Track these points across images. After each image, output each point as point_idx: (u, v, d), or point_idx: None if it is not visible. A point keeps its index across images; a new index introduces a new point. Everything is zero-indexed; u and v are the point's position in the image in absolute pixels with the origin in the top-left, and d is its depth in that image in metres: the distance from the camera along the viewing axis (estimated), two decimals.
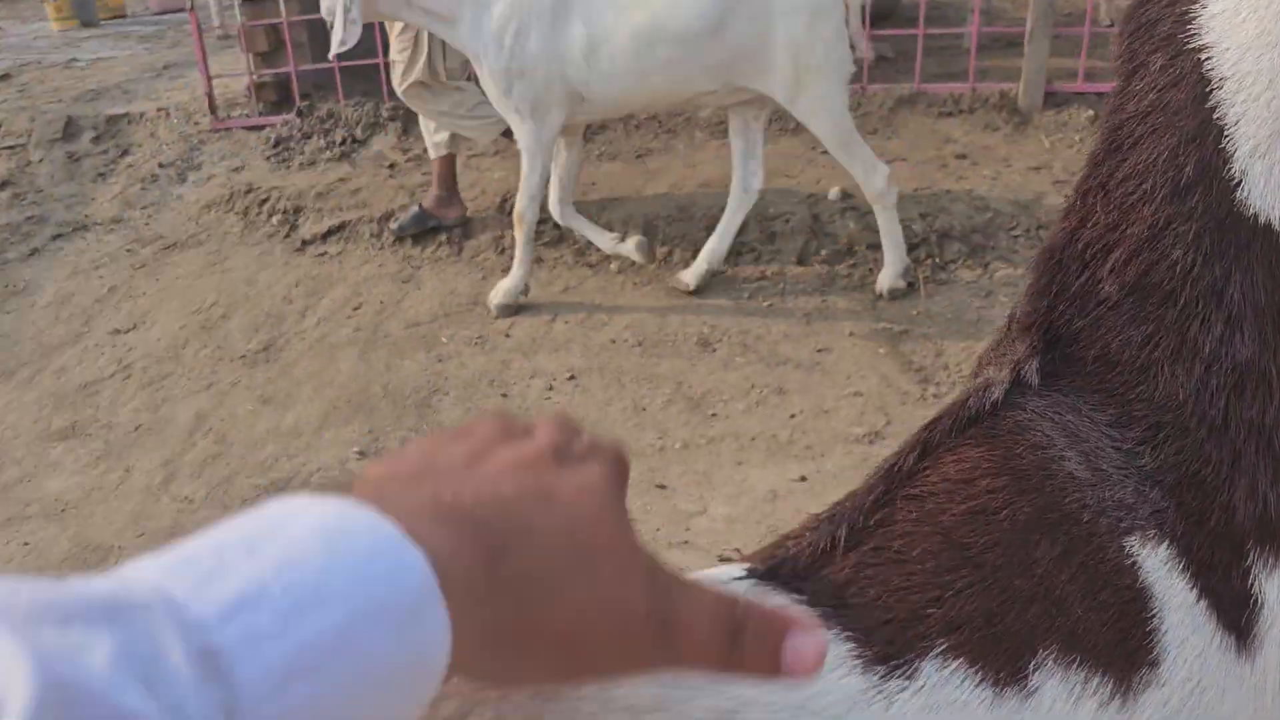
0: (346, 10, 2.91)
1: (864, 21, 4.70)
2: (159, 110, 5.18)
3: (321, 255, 3.91)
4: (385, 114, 4.66)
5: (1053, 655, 0.52)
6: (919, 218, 3.58)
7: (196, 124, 4.98)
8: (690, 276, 3.36)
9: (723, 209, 3.71)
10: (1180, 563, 0.55)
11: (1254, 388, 0.57)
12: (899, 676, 0.50)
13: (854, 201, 3.71)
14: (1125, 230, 0.60)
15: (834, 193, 3.78)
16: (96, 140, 5.03)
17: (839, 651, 0.49)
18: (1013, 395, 0.60)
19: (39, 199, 4.55)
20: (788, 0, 2.90)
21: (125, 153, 4.90)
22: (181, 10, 9.04)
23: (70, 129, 5.11)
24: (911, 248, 3.39)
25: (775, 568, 0.52)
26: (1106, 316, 0.59)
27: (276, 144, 4.65)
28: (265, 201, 4.22)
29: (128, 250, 4.04)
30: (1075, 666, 0.52)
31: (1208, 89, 0.57)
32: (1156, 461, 0.57)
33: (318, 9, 4.62)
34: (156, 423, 3.06)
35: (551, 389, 3.00)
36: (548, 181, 3.30)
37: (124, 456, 2.93)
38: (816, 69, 2.93)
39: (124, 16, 9.12)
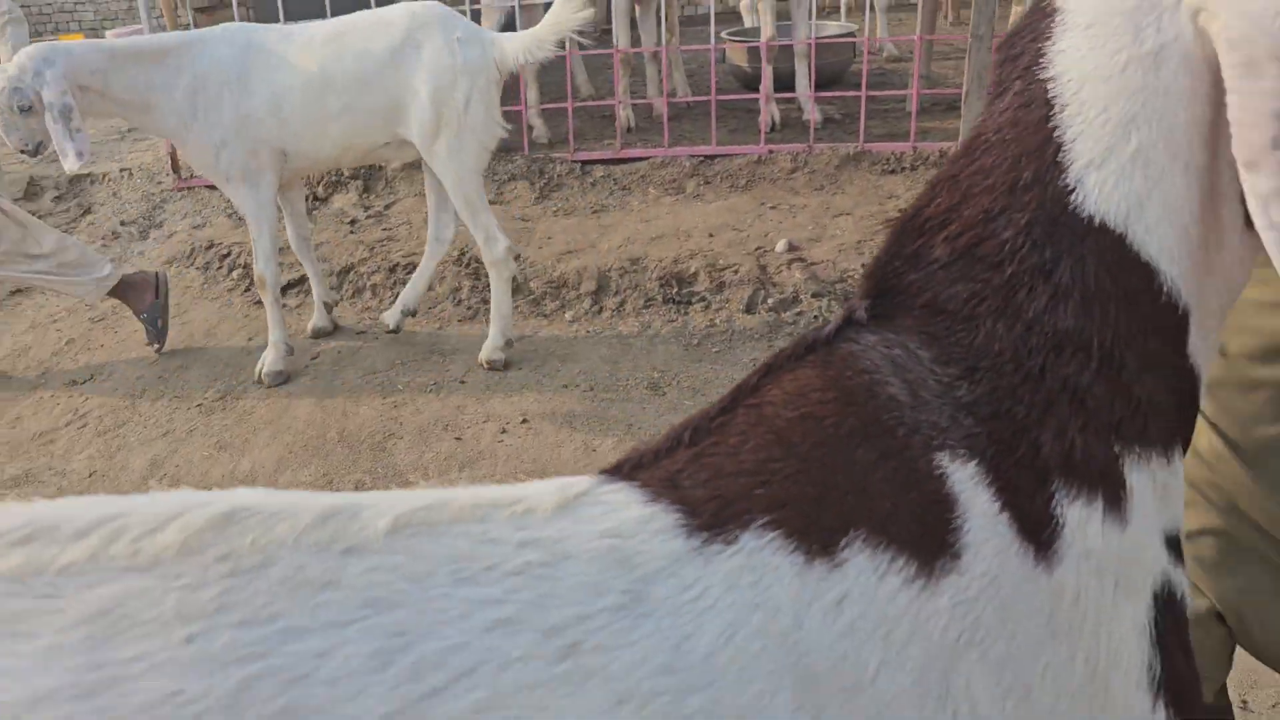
0: (69, 122, 2.91)
1: (811, 85, 4.91)
2: (122, 170, 5.26)
3: (282, 307, 3.96)
4: (346, 173, 4.76)
5: (862, 536, 0.62)
6: (862, 268, 3.72)
7: (159, 183, 5.06)
8: (389, 318, 3.65)
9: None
10: (986, 480, 0.65)
11: (1072, 352, 0.68)
12: (719, 541, 0.59)
13: (801, 253, 3.85)
14: (963, 211, 0.71)
15: (781, 245, 3.91)
16: (59, 200, 5.10)
17: (666, 520, 0.58)
18: (848, 331, 0.70)
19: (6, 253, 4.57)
20: (436, 56, 3.09)
21: (87, 211, 4.97)
22: None
23: (32, 189, 5.17)
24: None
25: (618, 464, 0.61)
26: (936, 274, 0.71)
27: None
28: (226, 256, 4.29)
29: (86, 305, 4.07)
30: (882, 548, 0.62)
31: (1052, 111, 0.69)
32: (972, 396, 0.67)
33: None
34: (111, 469, 3.08)
35: (504, 432, 3.06)
36: (276, 242, 3.40)
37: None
38: (456, 124, 3.13)
39: None
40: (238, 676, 0.49)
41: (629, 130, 5.16)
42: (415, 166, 4.93)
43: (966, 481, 0.65)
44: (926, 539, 0.63)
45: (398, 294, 3.78)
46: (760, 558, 0.60)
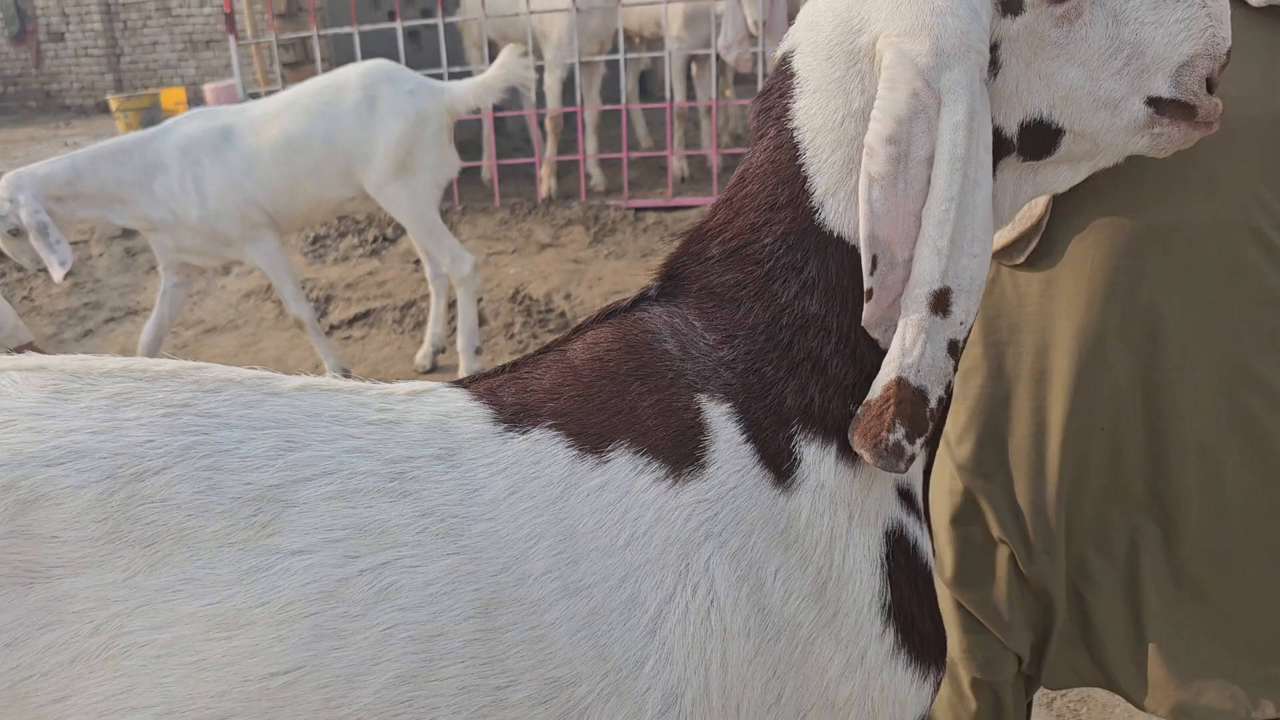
0: (47, 237, 3.16)
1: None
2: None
3: (347, 338, 4.24)
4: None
5: (625, 444, 0.85)
6: None
7: None
8: (421, 358, 3.90)
9: None
10: (736, 418, 0.86)
11: (816, 331, 0.88)
12: (515, 431, 0.85)
13: None
14: (735, 223, 0.92)
15: None
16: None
17: (481, 413, 0.86)
18: (641, 304, 0.93)
19: (96, 287, 4.98)
20: (390, 108, 3.34)
21: None
22: None
23: (127, 230, 5.59)
24: None
25: (459, 380, 0.90)
26: (712, 267, 0.92)
27: (315, 241, 5.07)
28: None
29: (171, 333, 4.40)
30: (641, 455, 0.84)
31: (796, 152, 0.89)
32: (731, 356, 0.88)
33: None
34: None
35: None
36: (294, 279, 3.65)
37: None
38: (412, 167, 3.40)
39: None
40: (185, 441, 0.79)
41: (682, 180, 5.39)
42: (480, 210, 5.22)
43: (719, 418, 0.86)
44: (678, 453, 0.84)
45: (455, 328, 4.03)
46: (543, 446, 0.84)
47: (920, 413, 0.81)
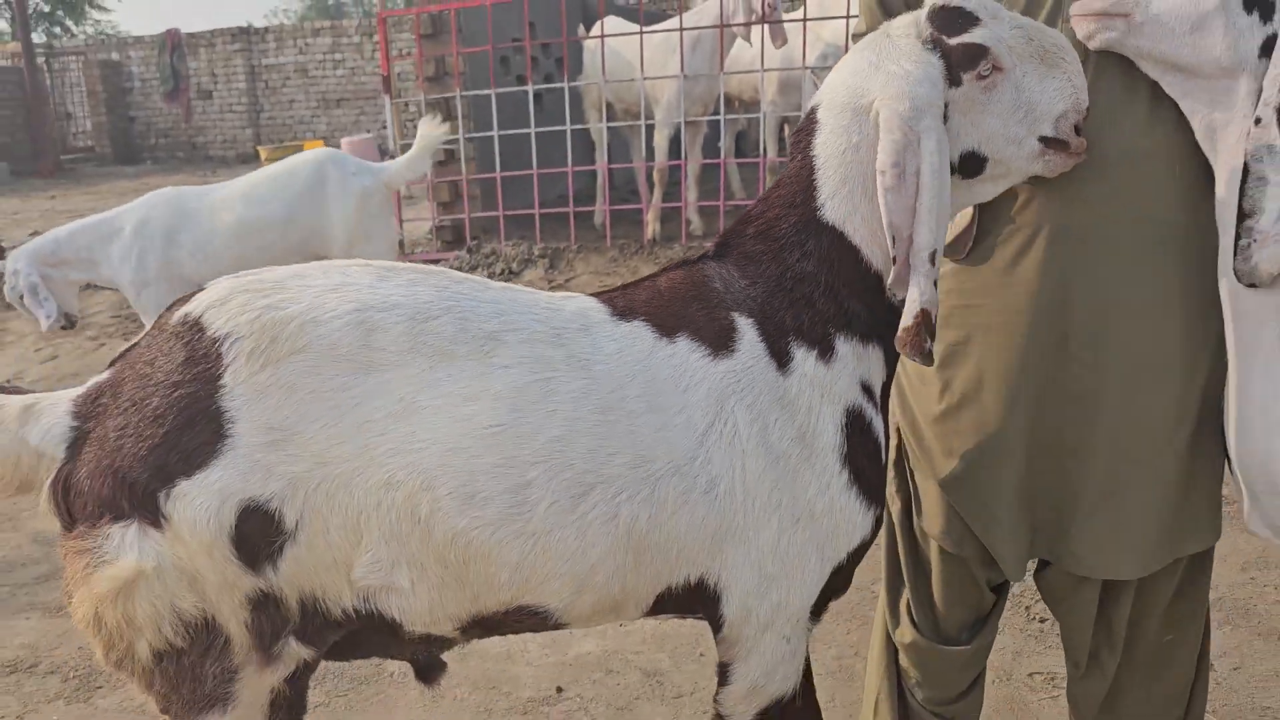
0: (36, 296, 3.84)
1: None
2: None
3: None
4: (536, 252, 5.79)
5: (686, 334, 1.35)
6: None
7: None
8: None
9: None
10: (755, 327, 1.36)
11: (810, 283, 1.39)
12: (622, 320, 1.37)
13: None
14: (766, 214, 1.45)
15: None
16: None
17: (602, 309, 1.38)
18: (702, 260, 1.47)
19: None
20: (338, 189, 3.91)
21: None
22: None
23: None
24: None
25: (593, 294, 1.46)
26: (748, 240, 1.42)
27: None
28: None
29: None
30: (695, 341, 1.35)
31: (813, 170, 1.38)
32: (755, 294, 1.39)
33: (492, 169, 5.89)
34: None
35: None
36: None
37: None
38: (366, 234, 3.99)
39: None
40: (449, 303, 1.29)
41: None
42: (593, 249, 5.91)
43: (744, 326, 1.37)
44: (718, 342, 1.37)
45: None
46: (638, 330, 1.36)
47: (933, 326, 1.34)
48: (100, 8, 23.99)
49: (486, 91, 5.83)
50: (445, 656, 1.54)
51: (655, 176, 5.93)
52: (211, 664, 1.27)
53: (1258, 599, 2.82)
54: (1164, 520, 1.56)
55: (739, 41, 5.74)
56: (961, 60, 1.33)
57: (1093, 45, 1.38)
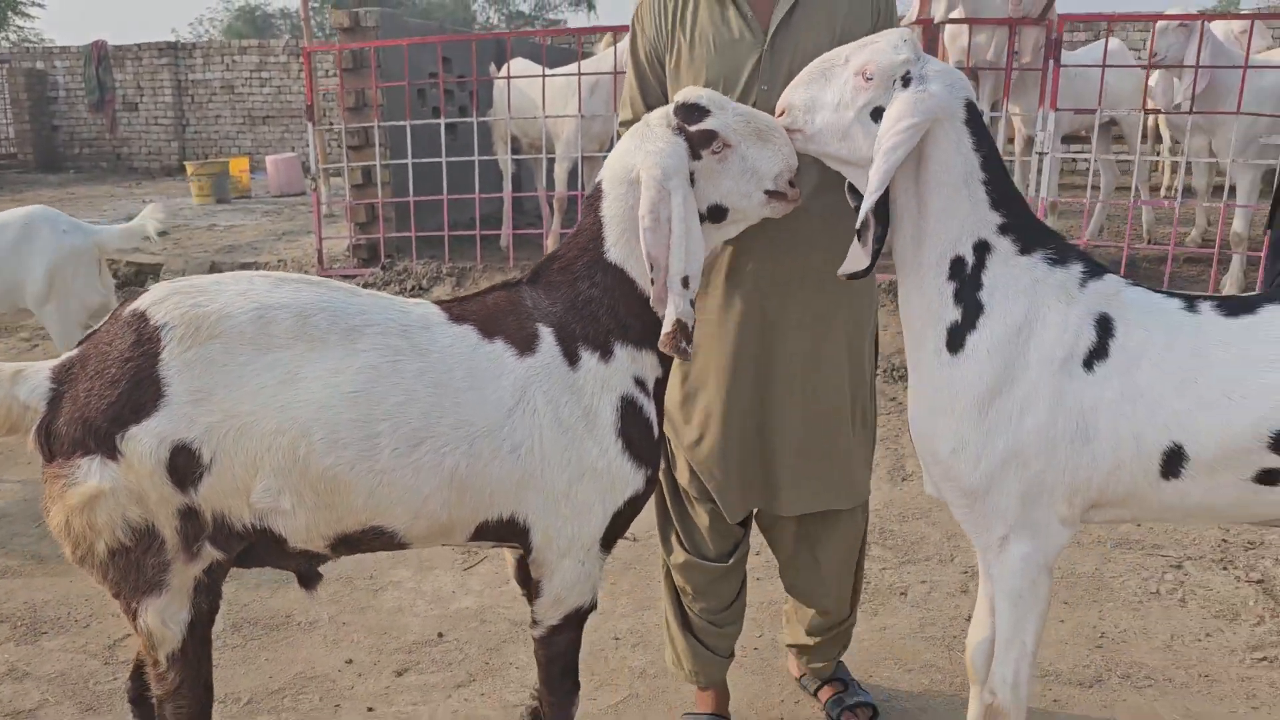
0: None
1: None
2: (279, 261, 6.96)
3: None
4: (445, 270, 6.34)
5: (502, 337, 1.89)
6: None
7: (307, 272, 6.72)
8: None
9: None
10: (552, 334, 1.91)
11: (596, 304, 1.92)
12: (455, 324, 1.91)
13: None
14: (567, 254, 2.00)
15: None
16: None
17: (440, 314, 1.94)
18: (518, 284, 2.03)
19: None
20: (46, 244, 4.35)
21: None
22: (295, 194, 11.15)
23: (212, 269, 6.89)
24: None
25: (436, 302, 2.03)
26: (553, 271, 1.95)
27: (364, 288, 6.34)
28: None
29: None
30: (508, 342, 1.90)
31: (601, 224, 1.94)
32: (555, 310, 1.89)
33: (406, 193, 6.43)
34: None
35: None
36: None
37: None
38: (64, 292, 4.40)
39: (249, 196, 11.26)
40: (326, 304, 1.80)
41: None
42: (497, 269, 6.47)
43: (546, 333, 1.88)
44: (525, 344, 1.89)
45: None
46: (467, 332, 1.86)
47: (689, 332, 1.89)
48: (25, 14, 23.83)
49: (402, 123, 6.38)
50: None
51: (555, 204, 6.53)
52: (151, 558, 1.80)
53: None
54: (832, 478, 2.27)
55: None
56: (699, 141, 1.94)
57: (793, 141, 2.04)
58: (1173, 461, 1.82)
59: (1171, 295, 1.91)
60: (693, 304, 1.88)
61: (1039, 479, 1.86)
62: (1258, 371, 1.77)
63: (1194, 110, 5.50)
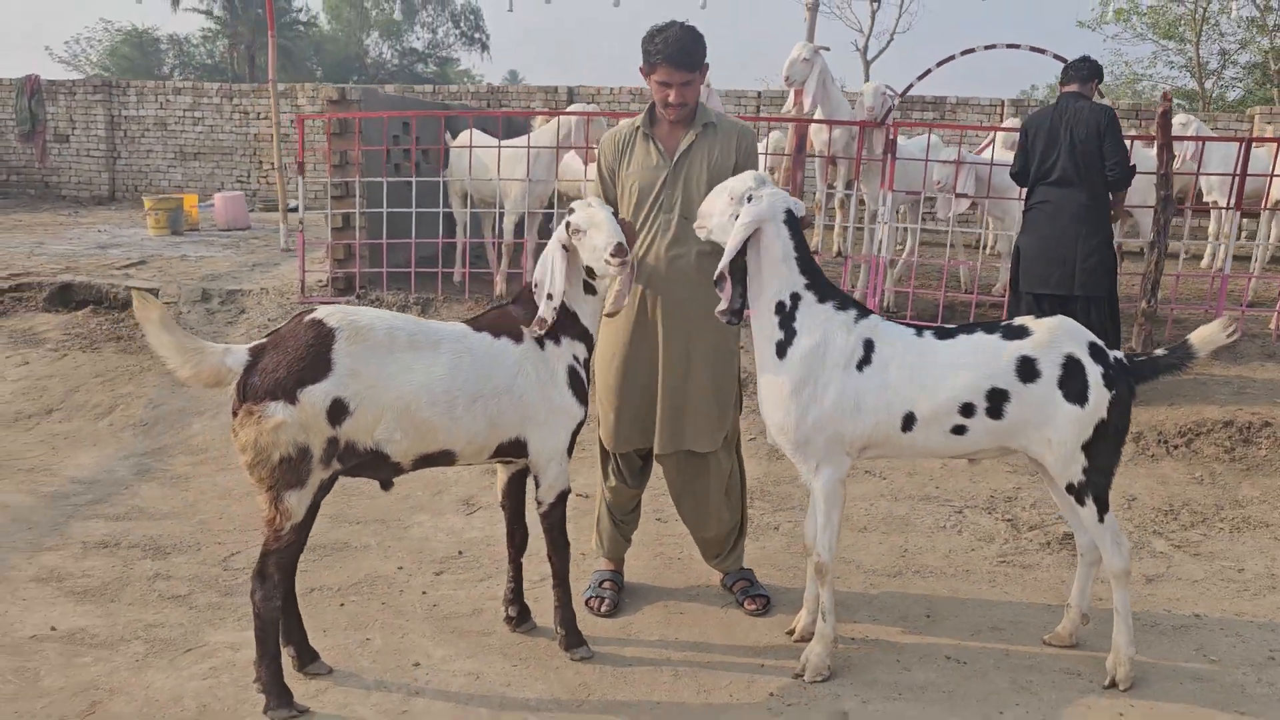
0: None
1: None
2: (262, 289, 8.15)
3: None
4: (412, 300, 7.66)
5: (505, 335, 3.36)
6: None
7: (288, 299, 7.94)
8: None
9: None
10: (529, 329, 3.43)
11: (559, 314, 3.65)
12: (475, 329, 3.39)
13: None
14: (530, 289, 3.52)
15: None
16: (223, 302, 7.96)
17: (465, 327, 3.40)
18: (506, 304, 3.47)
19: (194, 332, 7.40)
20: None
21: (243, 311, 7.82)
22: (241, 229, 12.25)
23: (205, 294, 8.04)
24: None
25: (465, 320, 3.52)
26: (527, 297, 3.41)
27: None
28: None
29: None
30: (505, 338, 3.36)
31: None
32: (529, 317, 3.38)
33: (380, 235, 7.74)
34: None
35: None
36: None
37: None
38: None
39: (197, 230, 12.24)
40: (402, 327, 3.22)
41: None
42: (455, 300, 7.82)
43: (527, 331, 3.29)
44: (516, 337, 3.34)
45: None
46: (484, 335, 3.30)
47: (546, 324, 3.36)
48: None
49: (379, 179, 7.73)
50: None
51: (503, 250, 7.95)
52: (303, 466, 3.05)
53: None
54: (702, 426, 3.81)
55: (572, 154, 7.91)
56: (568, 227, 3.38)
57: (701, 235, 3.53)
58: (908, 421, 3.36)
59: (908, 325, 3.50)
60: (556, 311, 3.34)
61: (835, 433, 3.37)
62: (953, 370, 3.35)
63: (990, 196, 7.35)
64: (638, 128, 3.76)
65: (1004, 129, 8.84)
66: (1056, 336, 3.37)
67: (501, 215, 7.88)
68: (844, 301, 3.41)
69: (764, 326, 3.41)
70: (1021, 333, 3.39)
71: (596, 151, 3.90)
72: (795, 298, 3.37)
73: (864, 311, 3.43)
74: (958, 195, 7.23)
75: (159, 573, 4.25)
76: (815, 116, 7.47)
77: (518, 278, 8.17)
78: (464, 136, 8.03)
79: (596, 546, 4.17)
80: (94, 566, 4.28)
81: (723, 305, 3.35)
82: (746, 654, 3.68)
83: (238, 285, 8.25)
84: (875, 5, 13.68)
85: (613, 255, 3.27)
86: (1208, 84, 22.35)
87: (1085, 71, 5.76)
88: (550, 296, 3.31)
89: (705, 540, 4.08)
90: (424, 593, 4.14)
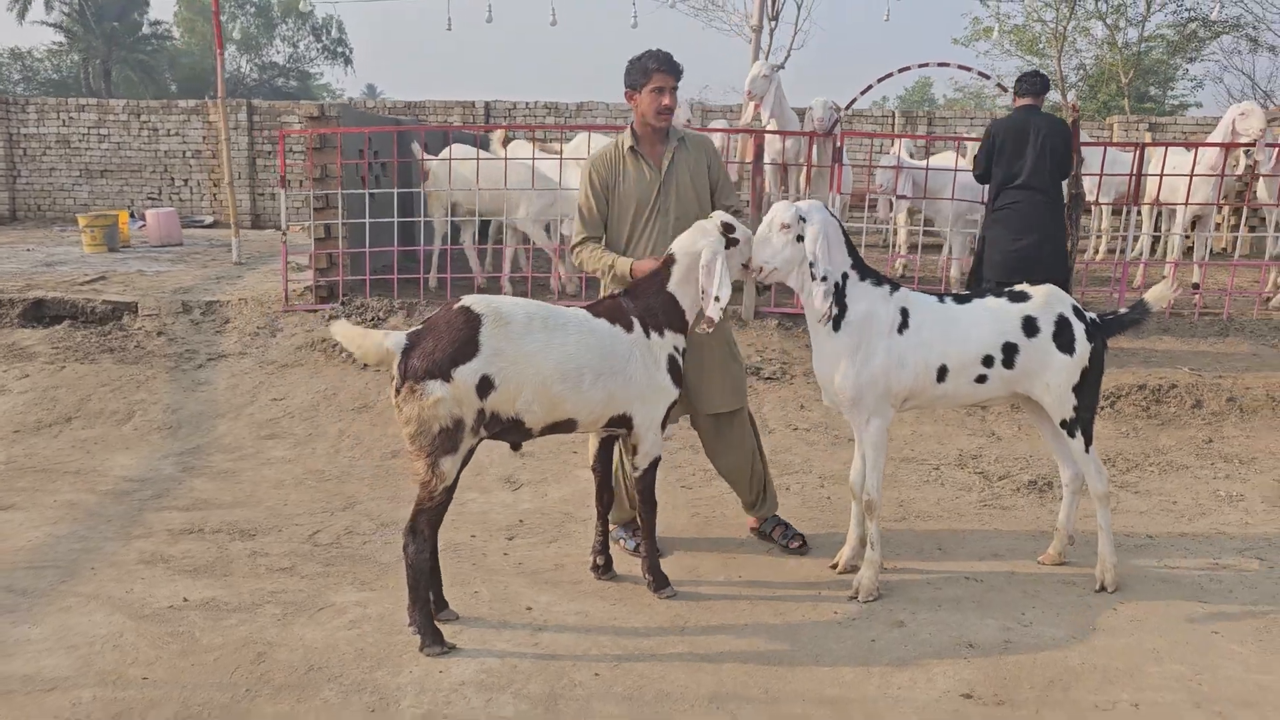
0: None
1: None
2: (240, 299, 8.39)
3: (377, 373, 7.17)
4: (396, 305, 8.05)
5: (618, 324, 3.94)
6: None
7: (270, 308, 8.21)
8: None
9: None
10: (641, 322, 3.94)
11: (656, 309, 4.06)
12: (595, 316, 4.09)
13: None
14: (643, 284, 4.11)
15: None
16: (204, 313, 8.17)
17: (588, 314, 4.02)
18: (620, 296, 4.08)
19: (186, 342, 7.63)
20: None
21: (228, 321, 8.06)
22: (175, 245, 12.29)
23: (185, 306, 8.23)
24: None
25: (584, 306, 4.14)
26: (640, 290, 4.03)
27: (329, 319, 7.94)
28: (335, 346, 7.46)
29: (259, 366, 7.17)
30: (620, 326, 3.96)
31: (670, 274, 4.01)
32: (639, 309, 4.00)
33: (362, 244, 8.14)
34: (315, 433, 6.20)
35: None
36: None
37: (308, 443, 6.05)
38: None
39: (130, 246, 12.19)
40: (541, 314, 3.73)
41: (563, 290, 8.66)
42: (438, 304, 8.24)
43: (636, 323, 3.88)
44: (628, 326, 3.94)
45: None
46: (601, 321, 3.85)
47: (714, 322, 3.97)
48: None
49: (360, 191, 8.10)
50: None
51: (502, 253, 8.41)
52: (458, 434, 3.63)
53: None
54: (723, 392, 4.49)
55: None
56: (728, 241, 4.06)
57: (759, 279, 4.20)
58: (942, 373, 4.11)
59: (931, 294, 4.25)
60: (725, 312, 3.99)
61: (883, 389, 4.09)
62: (975, 327, 4.10)
63: (925, 196, 8.28)
64: (629, 146, 4.36)
65: (963, 138, 9.78)
66: (1050, 300, 4.17)
67: (484, 223, 8.35)
68: (879, 278, 4.12)
69: (820, 304, 4.09)
70: (1023, 297, 4.19)
71: (587, 171, 4.46)
72: (844, 277, 4.06)
73: (895, 285, 4.15)
74: (898, 197, 8.10)
75: (255, 550, 4.63)
76: (770, 128, 8.24)
77: (495, 284, 8.68)
78: (448, 151, 8.48)
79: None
80: (190, 549, 4.62)
81: (828, 309, 3.98)
82: (801, 586, 4.33)
83: (213, 297, 8.47)
84: (773, 24, 14.57)
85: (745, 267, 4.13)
86: (1069, 95, 24.34)
87: (1038, 85, 6.69)
88: (718, 299, 3.86)
89: (741, 487, 4.73)
90: (505, 554, 4.65)
